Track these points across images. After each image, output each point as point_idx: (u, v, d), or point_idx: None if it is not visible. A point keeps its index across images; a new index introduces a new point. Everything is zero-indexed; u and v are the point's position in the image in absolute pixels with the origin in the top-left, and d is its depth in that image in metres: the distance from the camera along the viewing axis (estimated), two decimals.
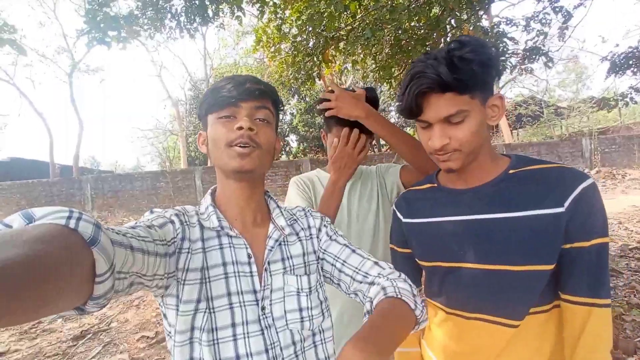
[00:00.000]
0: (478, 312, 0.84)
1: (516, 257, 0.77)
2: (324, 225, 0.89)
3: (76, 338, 3.50)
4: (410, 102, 0.78)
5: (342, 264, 0.82)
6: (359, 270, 0.79)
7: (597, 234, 0.73)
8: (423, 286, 1.01)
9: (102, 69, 22.43)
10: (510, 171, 0.81)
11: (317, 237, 0.87)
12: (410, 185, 1.19)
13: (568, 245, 0.74)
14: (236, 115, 0.75)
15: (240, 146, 0.72)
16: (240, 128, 0.72)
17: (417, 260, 0.96)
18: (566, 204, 0.73)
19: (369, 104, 1.19)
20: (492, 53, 0.76)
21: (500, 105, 0.80)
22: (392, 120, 19.19)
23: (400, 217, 0.99)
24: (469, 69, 0.72)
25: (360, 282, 0.78)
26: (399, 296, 0.67)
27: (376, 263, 0.80)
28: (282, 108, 0.87)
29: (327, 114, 1.20)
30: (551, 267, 0.76)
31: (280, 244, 0.81)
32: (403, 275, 0.76)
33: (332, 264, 0.83)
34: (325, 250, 0.85)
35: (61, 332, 3.65)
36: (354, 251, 0.83)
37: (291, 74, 3.95)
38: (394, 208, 1.03)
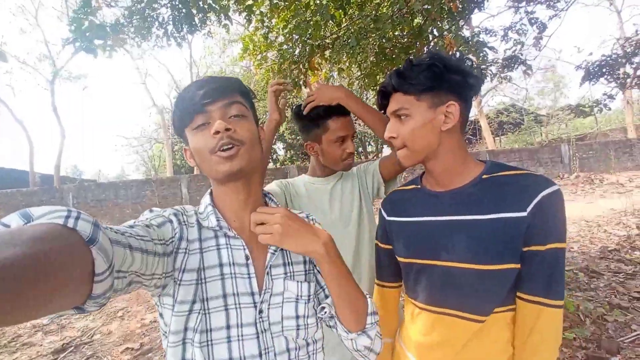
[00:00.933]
0: (447, 307, 0.89)
1: (483, 257, 0.82)
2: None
3: (57, 352, 3.39)
4: (379, 101, 0.96)
5: (326, 296, 0.83)
6: None
7: (553, 238, 0.77)
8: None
9: (85, 76, 22.04)
10: (484, 176, 0.87)
11: None
12: (390, 176, 1.36)
13: (526, 248, 0.79)
14: (209, 120, 0.72)
15: (223, 150, 0.70)
16: (217, 132, 0.70)
17: (396, 256, 1.01)
18: (528, 208, 0.78)
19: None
20: (447, 65, 0.83)
21: (454, 112, 0.84)
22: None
23: (385, 215, 1.06)
24: (415, 74, 0.84)
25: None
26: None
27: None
28: (253, 96, 0.84)
29: (310, 105, 1.29)
30: (515, 266, 0.80)
31: (282, 249, 0.79)
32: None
33: (323, 287, 0.84)
34: (319, 270, 0.84)
35: (41, 345, 3.53)
36: None
37: None
38: (380, 207, 1.09)
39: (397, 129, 0.89)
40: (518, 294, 0.83)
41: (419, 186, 1.00)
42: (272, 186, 1.37)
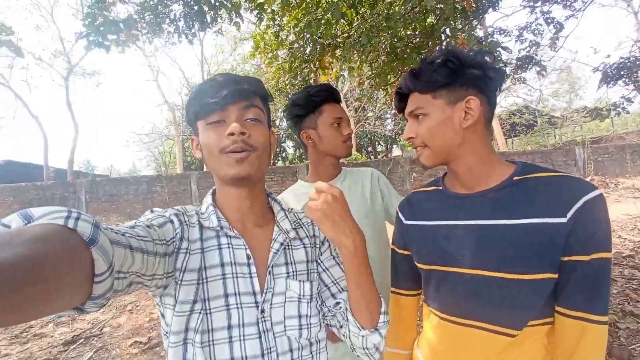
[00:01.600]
0: (473, 318, 0.82)
1: (514, 265, 0.75)
2: (328, 240, 0.88)
3: (67, 343, 3.45)
4: (396, 102, 0.93)
5: (339, 291, 0.83)
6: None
7: (598, 248, 0.70)
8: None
9: (99, 72, 22.30)
10: (515, 178, 0.80)
11: (319, 249, 0.86)
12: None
13: (566, 258, 0.72)
14: (225, 119, 0.72)
15: (235, 152, 0.70)
16: (232, 134, 0.70)
17: (415, 262, 0.95)
18: (569, 214, 0.71)
19: None
20: (463, 59, 0.80)
21: (474, 107, 0.80)
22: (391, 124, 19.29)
23: (402, 218, 1.00)
24: (430, 72, 0.81)
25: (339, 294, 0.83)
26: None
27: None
28: (271, 100, 0.84)
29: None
30: (551, 276, 0.73)
31: (285, 248, 0.80)
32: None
33: (328, 286, 0.84)
34: (326, 268, 0.85)
35: (52, 336, 3.60)
36: None
37: (288, 80, 3.99)
38: (398, 209, 1.03)
39: (415, 129, 0.86)
40: (557, 308, 0.75)
41: (441, 187, 0.94)
42: None
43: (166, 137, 26.51)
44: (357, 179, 1.42)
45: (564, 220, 0.71)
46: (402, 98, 0.91)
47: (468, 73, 0.80)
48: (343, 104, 1.35)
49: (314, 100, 1.33)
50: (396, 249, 1.03)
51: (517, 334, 0.77)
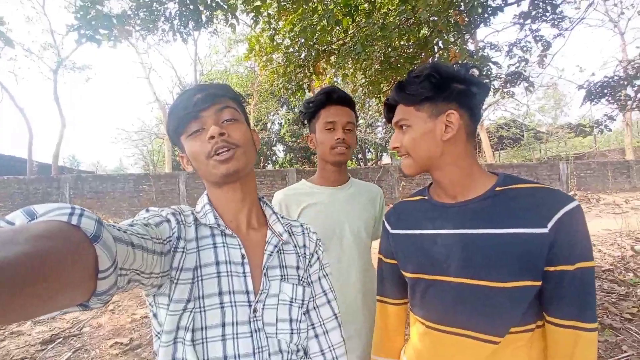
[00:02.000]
0: (458, 326, 0.84)
1: (497, 273, 0.77)
2: (317, 252, 0.90)
3: (45, 342, 3.36)
4: (385, 113, 0.98)
5: (314, 308, 0.86)
6: (323, 324, 0.86)
7: (582, 257, 0.73)
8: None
9: (89, 67, 21.92)
10: (497, 189, 0.83)
11: (309, 261, 0.87)
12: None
13: (552, 268, 0.74)
14: (203, 126, 0.75)
15: (219, 153, 0.73)
16: (212, 137, 0.72)
17: (402, 271, 0.97)
18: (549, 225, 0.74)
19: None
20: (446, 74, 0.83)
21: (454, 121, 0.83)
22: (381, 132, 19.44)
23: (388, 227, 1.02)
24: (414, 86, 0.85)
25: (316, 337, 0.85)
26: None
27: (339, 326, 0.88)
28: (243, 100, 0.87)
29: None
30: (533, 284, 0.76)
31: (278, 251, 0.81)
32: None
33: (314, 297, 0.86)
34: (311, 282, 0.87)
35: (30, 335, 3.50)
36: (329, 302, 0.89)
37: (282, 84, 4.00)
38: (384, 219, 1.05)
39: (400, 139, 0.90)
40: (549, 318, 0.76)
41: (426, 197, 0.96)
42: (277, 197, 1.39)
43: (155, 135, 26.16)
44: (363, 191, 1.41)
45: (545, 230, 0.74)
46: (390, 109, 0.95)
47: (451, 87, 0.83)
48: None
49: (311, 106, 1.34)
50: (383, 258, 1.04)
51: (500, 340, 0.79)
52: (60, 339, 3.44)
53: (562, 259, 0.73)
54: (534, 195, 0.78)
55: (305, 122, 1.42)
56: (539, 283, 0.76)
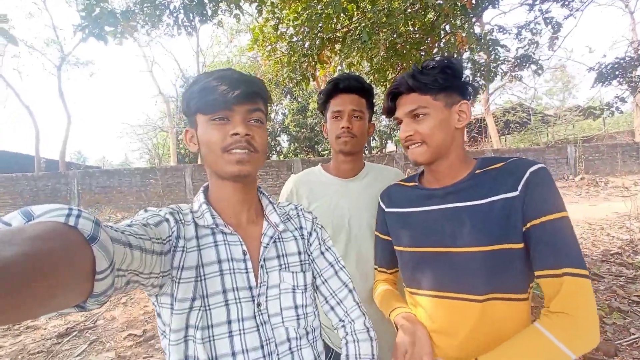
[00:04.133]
0: (448, 290, 0.91)
1: (484, 239, 0.85)
2: (315, 230, 0.90)
3: (61, 335, 3.43)
4: (388, 103, 1.01)
5: (323, 282, 0.87)
6: (335, 295, 0.88)
7: (549, 210, 0.79)
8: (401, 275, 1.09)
9: (92, 62, 21.95)
10: (477, 171, 0.93)
11: (308, 240, 0.88)
12: None
13: (529, 225, 0.81)
14: (230, 117, 0.73)
15: (238, 151, 0.72)
16: (236, 134, 0.71)
17: (394, 246, 1.06)
18: (519, 187, 0.83)
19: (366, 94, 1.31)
20: (457, 66, 0.92)
21: (467, 111, 0.93)
22: (383, 124, 19.31)
23: (383, 206, 1.12)
24: (430, 75, 0.91)
25: (332, 309, 0.88)
26: None
27: (351, 292, 0.89)
28: (270, 103, 0.87)
29: None
30: (515, 246, 0.82)
31: (275, 241, 0.82)
32: (365, 322, 0.88)
33: (314, 276, 0.87)
34: (313, 259, 0.87)
35: (45, 329, 3.58)
36: (336, 272, 0.89)
37: (286, 74, 3.96)
38: (379, 199, 1.15)
39: (414, 127, 0.94)
40: (537, 273, 0.81)
41: (417, 183, 1.06)
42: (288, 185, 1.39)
43: (160, 128, 26.24)
44: (380, 178, 1.36)
45: (516, 193, 0.83)
46: (394, 97, 0.99)
47: (460, 81, 0.93)
48: None
49: (322, 96, 1.35)
50: (379, 235, 1.15)
51: (482, 299, 0.86)
52: (76, 332, 3.51)
53: (534, 214, 0.80)
54: (506, 168, 0.89)
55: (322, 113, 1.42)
56: (521, 245, 0.82)
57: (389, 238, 1.10)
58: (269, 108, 0.90)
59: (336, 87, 1.30)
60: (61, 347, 3.23)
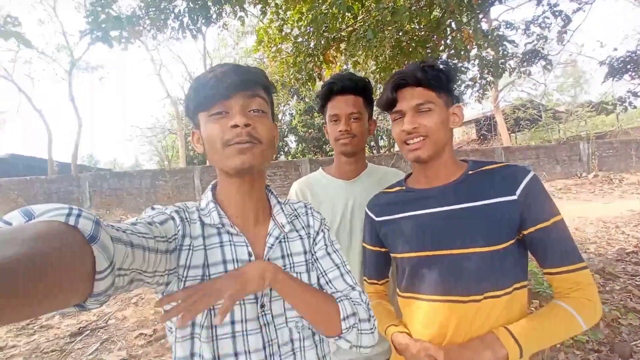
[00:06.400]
0: (447, 294, 0.91)
1: (481, 240, 0.88)
2: (322, 230, 0.87)
3: (74, 335, 3.50)
4: (389, 94, 0.97)
5: (327, 282, 0.82)
6: (340, 293, 0.81)
7: (552, 213, 0.87)
8: (396, 282, 1.07)
9: (102, 66, 22.32)
10: (470, 172, 0.96)
11: (314, 240, 0.85)
12: None
13: (533, 229, 0.87)
14: (228, 110, 0.70)
15: (238, 143, 0.69)
16: (236, 126, 0.68)
17: (391, 254, 1.05)
18: (517, 192, 0.88)
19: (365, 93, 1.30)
20: (454, 70, 0.98)
21: (459, 114, 0.98)
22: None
23: (373, 216, 1.09)
24: (435, 73, 0.94)
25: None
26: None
27: (359, 293, 0.83)
28: (274, 91, 0.82)
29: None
30: (507, 245, 0.88)
31: (280, 242, 0.80)
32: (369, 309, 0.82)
33: (317, 276, 0.83)
34: (317, 258, 0.84)
35: (59, 328, 3.65)
36: (342, 275, 0.83)
37: (292, 75, 3.96)
38: (366, 209, 1.13)
39: (418, 121, 0.94)
40: (545, 271, 0.90)
41: (404, 187, 1.06)
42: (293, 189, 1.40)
43: (169, 131, 26.53)
44: (382, 181, 1.33)
45: (514, 197, 0.88)
46: (397, 88, 0.97)
47: (454, 85, 0.98)
48: None
49: (320, 100, 1.34)
50: (367, 246, 1.13)
51: (480, 298, 0.88)
52: (88, 331, 3.57)
53: (537, 218, 0.87)
54: (499, 172, 0.93)
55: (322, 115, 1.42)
56: (510, 244, 0.88)
57: (379, 249, 1.09)
58: (276, 108, 0.87)
59: (331, 90, 1.29)
60: (74, 346, 3.29)
